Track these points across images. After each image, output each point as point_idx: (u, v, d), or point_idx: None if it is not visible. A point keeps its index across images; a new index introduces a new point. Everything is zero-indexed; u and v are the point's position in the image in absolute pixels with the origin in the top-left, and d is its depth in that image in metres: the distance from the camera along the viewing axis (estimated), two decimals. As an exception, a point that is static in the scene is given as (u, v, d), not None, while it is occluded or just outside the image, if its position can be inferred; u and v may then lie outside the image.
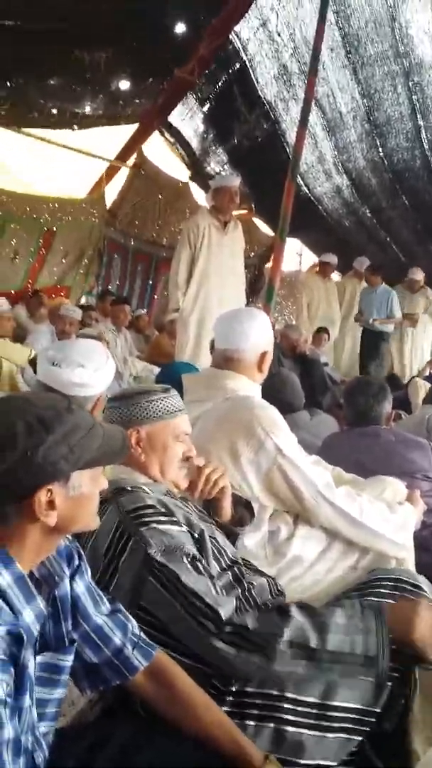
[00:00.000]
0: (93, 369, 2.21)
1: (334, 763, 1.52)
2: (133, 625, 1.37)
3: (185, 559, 1.49)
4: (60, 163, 8.67)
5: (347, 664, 1.49)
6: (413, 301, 8.86)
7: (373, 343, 8.41)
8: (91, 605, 1.30)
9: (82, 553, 1.32)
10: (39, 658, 1.16)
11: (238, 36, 7.33)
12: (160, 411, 1.74)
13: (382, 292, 8.35)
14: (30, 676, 1.09)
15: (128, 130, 8.34)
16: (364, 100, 7.81)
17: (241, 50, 7.48)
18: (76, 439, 1.08)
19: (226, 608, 1.46)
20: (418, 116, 7.76)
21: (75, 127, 7.26)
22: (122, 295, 8.48)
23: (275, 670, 1.45)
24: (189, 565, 1.49)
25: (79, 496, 1.12)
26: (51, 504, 1.08)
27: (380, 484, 2.36)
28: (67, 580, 1.24)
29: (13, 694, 1.03)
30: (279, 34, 7.28)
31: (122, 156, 8.52)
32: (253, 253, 10.07)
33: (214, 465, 1.85)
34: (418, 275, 8.83)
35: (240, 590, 1.57)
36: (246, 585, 1.62)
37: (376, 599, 1.62)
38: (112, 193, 8.67)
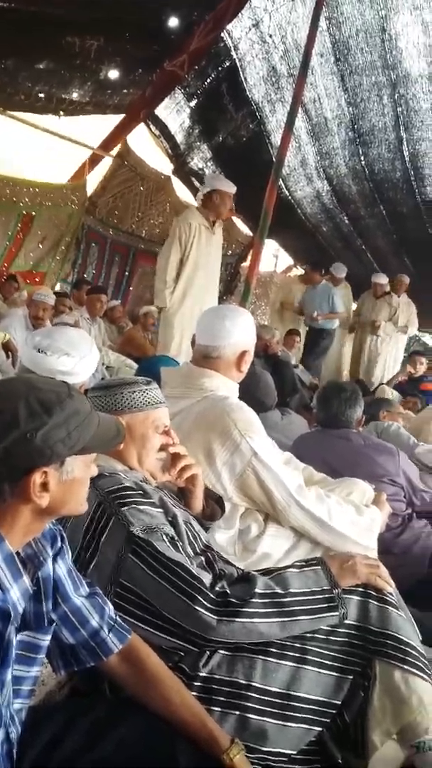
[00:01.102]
0: (78, 357, 2.23)
1: (294, 752, 1.57)
2: (110, 608, 1.41)
3: (165, 538, 1.55)
4: (43, 148, 8.57)
5: (309, 602, 1.60)
6: (376, 307, 8.91)
7: (314, 339, 8.53)
8: (71, 587, 1.33)
9: (65, 535, 1.35)
10: (18, 636, 1.18)
11: (230, 34, 7.35)
12: (141, 402, 1.79)
13: (322, 289, 8.47)
14: (12, 653, 1.12)
15: (114, 119, 8.29)
16: (350, 108, 7.89)
17: (232, 49, 7.50)
18: (74, 424, 1.12)
19: (206, 578, 1.53)
20: (401, 128, 7.87)
21: (61, 113, 7.18)
22: (99, 285, 8.44)
23: (254, 624, 1.51)
24: (168, 543, 1.54)
25: (71, 481, 1.15)
26: (44, 486, 1.11)
27: (348, 486, 2.43)
28: (50, 561, 1.27)
29: (-2, 668, 1.06)
30: (271, 36, 7.31)
31: (106, 145, 8.46)
32: (230, 252, 10.11)
33: (189, 458, 1.90)
34: (381, 279, 8.88)
35: (212, 574, 1.62)
36: (218, 570, 1.68)
37: (346, 596, 1.68)
38: (93, 181, 8.60)
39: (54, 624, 1.30)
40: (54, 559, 1.30)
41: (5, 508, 1.10)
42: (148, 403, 1.80)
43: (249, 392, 2.99)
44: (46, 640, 1.27)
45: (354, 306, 9.72)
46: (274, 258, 12.92)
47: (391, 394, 6.62)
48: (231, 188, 5.34)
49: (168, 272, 5.27)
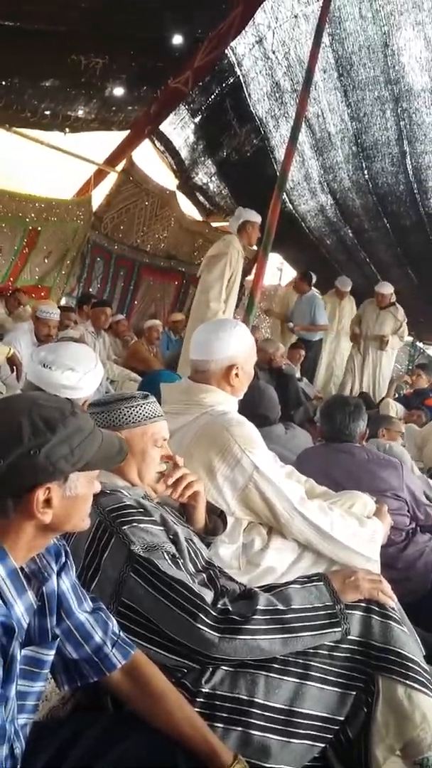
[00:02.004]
0: (83, 372, 2.25)
1: (297, 768, 1.57)
2: (114, 624, 1.41)
3: (166, 556, 1.55)
4: (49, 164, 8.66)
5: (312, 618, 1.59)
6: (379, 318, 8.46)
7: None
8: (75, 602, 1.34)
9: (69, 551, 1.36)
10: (23, 651, 1.19)
11: (233, 51, 7.44)
12: (139, 417, 1.79)
13: (307, 300, 8.37)
14: (16, 668, 1.13)
15: (119, 135, 8.38)
16: (353, 123, 7.93)
17: (236, 65, 7.59)
18: (77, 441, 1.13)
19: (208, 596, 1.53)
20: (404, 142, 7.89)
21: (67, 129, 7.28)
22: (103, 298, 8.48)
23: (256, 641, 1.51)
24: (169, 561, 1.55)
25: (74, 497, 1.16)
26: (48, 502, 1.12)
27: (350, 498, 2.43)
28: (54, 577, 1.28)
29: (2, 684, 1.07)
30: (274, 52, 7.39)
31: (111, 161, 8.54)
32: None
33: (191, 475, 1.90)
34: (386, 289, 8.41)
35: (214, 591, 1.62)
36: (220, 587, 1.69)
37: (348, 611, 1.67)
38: (99, 196, 8.68)
39: (58, 639, 1.30)
40: (58, 575, 1.30)
41: (9, 524, 1.12)
42: (146, 417, 1.80)
43: (253, 406, 3.00)
44: (50, 655, 1.27)
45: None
46: (278, 271, 12.96)
47: (395, 407, 6.62)
48: (259, 218, 5.90)
49: (222, 294, 5.65)
